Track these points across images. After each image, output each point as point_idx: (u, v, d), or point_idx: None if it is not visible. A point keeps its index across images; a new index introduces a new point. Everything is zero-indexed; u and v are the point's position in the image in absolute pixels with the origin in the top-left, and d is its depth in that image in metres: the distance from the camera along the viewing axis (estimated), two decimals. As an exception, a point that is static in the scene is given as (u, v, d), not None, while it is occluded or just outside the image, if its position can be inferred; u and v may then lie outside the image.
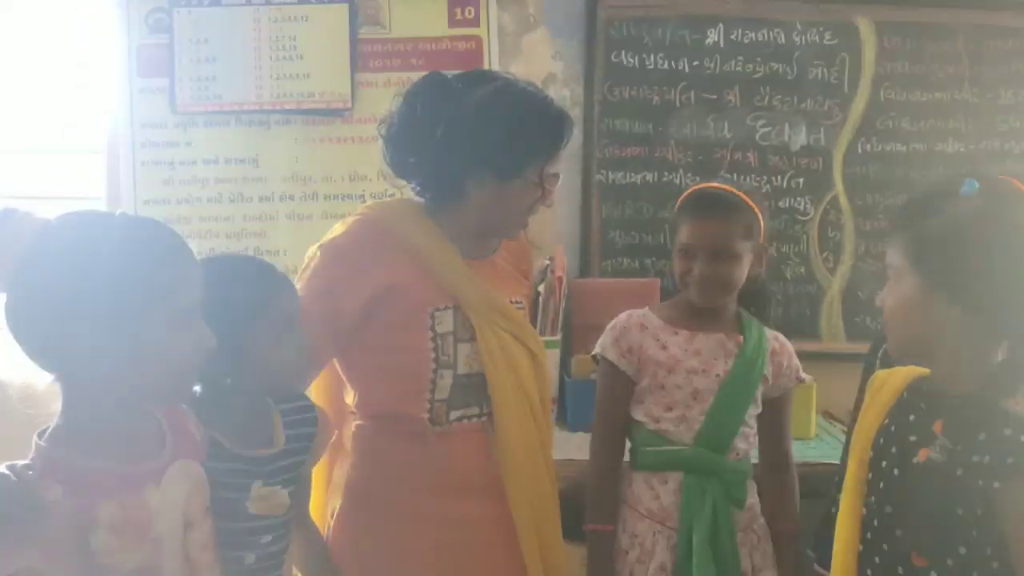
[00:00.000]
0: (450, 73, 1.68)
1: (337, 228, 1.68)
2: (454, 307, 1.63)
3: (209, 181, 2.73)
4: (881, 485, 1.40)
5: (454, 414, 1.64)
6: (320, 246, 1.65)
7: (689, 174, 2.79)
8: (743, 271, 1.82)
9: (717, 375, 1.81)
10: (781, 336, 1.93)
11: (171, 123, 2.73)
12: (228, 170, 2.73)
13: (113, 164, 2.75)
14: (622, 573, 1.80)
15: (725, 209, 1.82)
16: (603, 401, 1.88)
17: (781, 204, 2.82)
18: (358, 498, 1.69)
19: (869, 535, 1.40)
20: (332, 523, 1.71)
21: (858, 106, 2.82)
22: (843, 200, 2.82)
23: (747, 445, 1.85)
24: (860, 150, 2.83)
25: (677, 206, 1.90)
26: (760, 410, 1.87)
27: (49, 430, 1.19)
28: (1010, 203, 1.34)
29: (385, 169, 1.71)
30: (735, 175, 2.79)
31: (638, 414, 1.85)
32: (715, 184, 1.91)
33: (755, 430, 1.87)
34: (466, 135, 1.58)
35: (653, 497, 1.81)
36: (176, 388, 1.28)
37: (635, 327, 1.87)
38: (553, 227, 2.75)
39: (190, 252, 1.26)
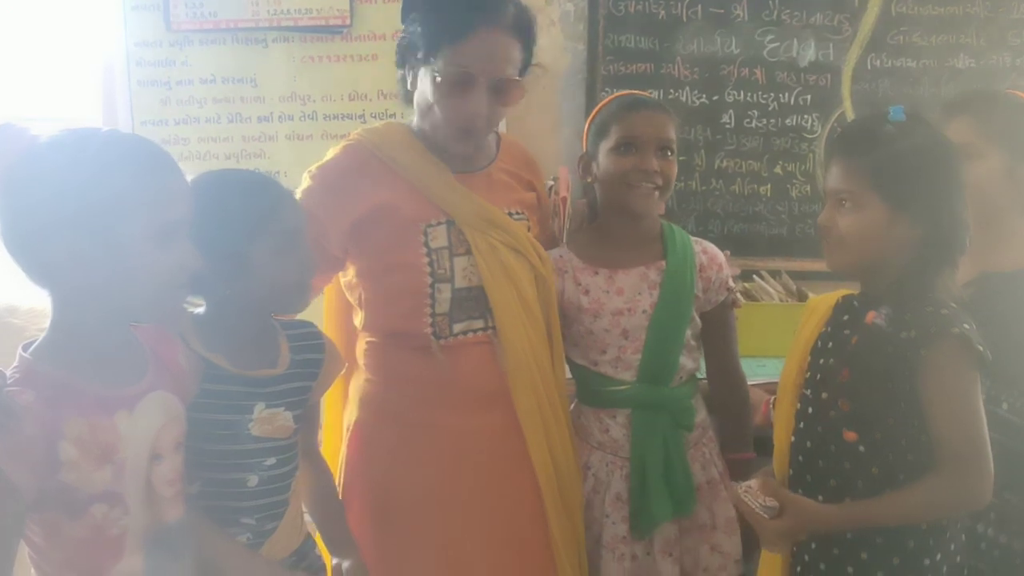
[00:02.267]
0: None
1: (328, 153, 1.69)
2: (447, 222, 1.64)
3: (207, 101, 2.69)
4: (818, 377, 1.52)
5: (457, 327, 1.65)
6: (309, 172, 1.67)
7: (696, 91, 2.74)
8: (675, 175, 1.78)
9: (644, 311, 1.77)
10: (711, 247, 1.86)
11: (166, 42, 2.67)
12: (226, 90, 2.69)
13: (108, 84, 2.70)
14: None
15: (661, 106, 1.82)
16: None
17: (788, 122, 2.77)
18: (372, 411, 1.72)
19: (802, 424, 1.53)
20: (348, 436, 1.75)
21: (868, 20, 2.75)
22: (851, 117, 2.77)
23: (693, 363, 1.83)
24: (869, 66, 2.77)
25: (595, 114, 1.84)
26: (700, 327, 1.83)
27: (35, 343, 1.22)
28: (939, 129, 1.53)
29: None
30: (742, 92, 2.74)
31: (576, 357, 1.83)
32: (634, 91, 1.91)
33: (699, 344, 1.85)
34: (407, 9, 1.61)
35: (603, 430, 1.81)
36: (159, 306, 1.28)
37: (554, 272, 1.79)
38: (558, 147, 2.71)
39: (178, 169, 1.27)
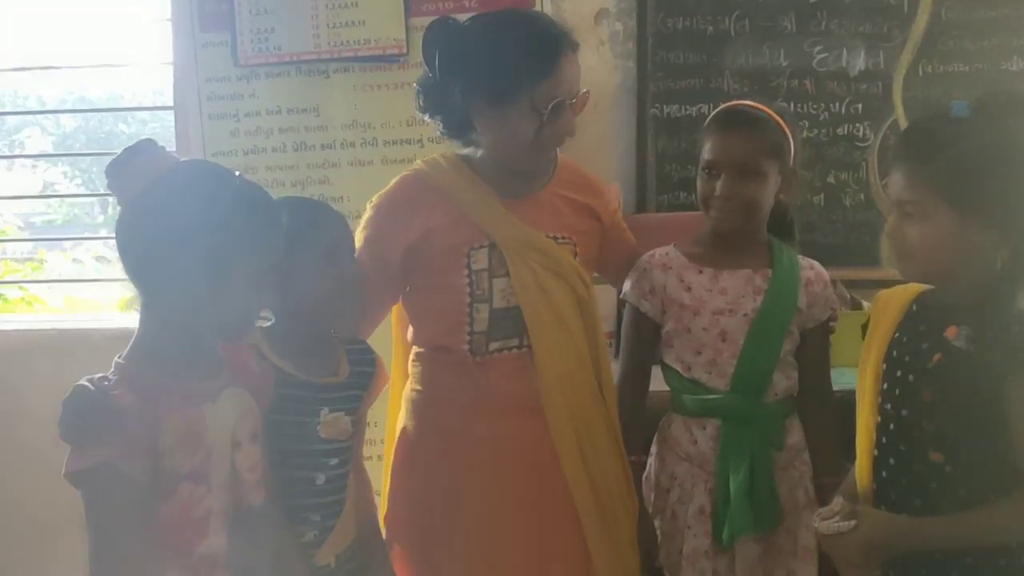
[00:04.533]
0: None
1: (387, 186, 1.81)
2: (489, 245, 1.72)
3: (273, 131, 2.80)
4: (897, 392, 1.48)
5: (493, 345, 1.73)
6: (371, 202, 1.79)
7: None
8: (769, 193, 1.75)
9: (745, 314, 1.76)
10: (817, 264, 1.86)
11: (234, 76, 2.80)
12: (290, 119, 2.80)
13: (181, 118, 2.84)
14: (665, 511, 1.83)
15: (750, 123, 1.77)
16: (627, 340, 1.87)
17: (839, 131, 2.78)
18: (416, 419, 1.82)
19: (884, 439, 1.49)
20: (397, 441, 1.85)
21: (918, 26, 2.74)
22: (903, 125, 2.76)
23: (789, 382, 1.81)
24: (921, 72, 2.76)
25: (705, 125, 1.85)
26: (798, 343, 1.81)
27: (126, 350, 1.35)
28: (1010, 119, 1.41)
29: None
30: (792, 103, 2.76)
31: (669, 359, 1.83)
32: (744, 102, 1.86)
33: (795, 364, 1.82)
34: (459, 68, 1.67)
35: (691, 441, 1.81)
36: (235, 332, 1.44)
37: (657, 267, 1.83)
38: (608, 163, 2.77)
39: (280, 223, 1.42)
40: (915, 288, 1.54)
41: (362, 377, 1.69)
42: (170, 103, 2.89)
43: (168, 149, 1.37)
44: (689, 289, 1.80)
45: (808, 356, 1.83)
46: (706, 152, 1.78)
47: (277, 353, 1.58)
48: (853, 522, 1.42)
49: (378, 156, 2.78)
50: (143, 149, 1.31)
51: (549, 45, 1.65)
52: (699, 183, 1.79)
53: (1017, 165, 1.38)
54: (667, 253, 1.86)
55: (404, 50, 2.76)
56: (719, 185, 1.74)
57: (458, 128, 1.75)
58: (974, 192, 1.37)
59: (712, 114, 1.86)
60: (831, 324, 1.88)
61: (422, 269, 1.75)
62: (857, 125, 2.78)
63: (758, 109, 1.81)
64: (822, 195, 2.80)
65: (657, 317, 1.83)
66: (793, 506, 1.80)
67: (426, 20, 2.72)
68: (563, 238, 1.79)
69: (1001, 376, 1.35)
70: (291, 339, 1.60)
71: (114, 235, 1.36)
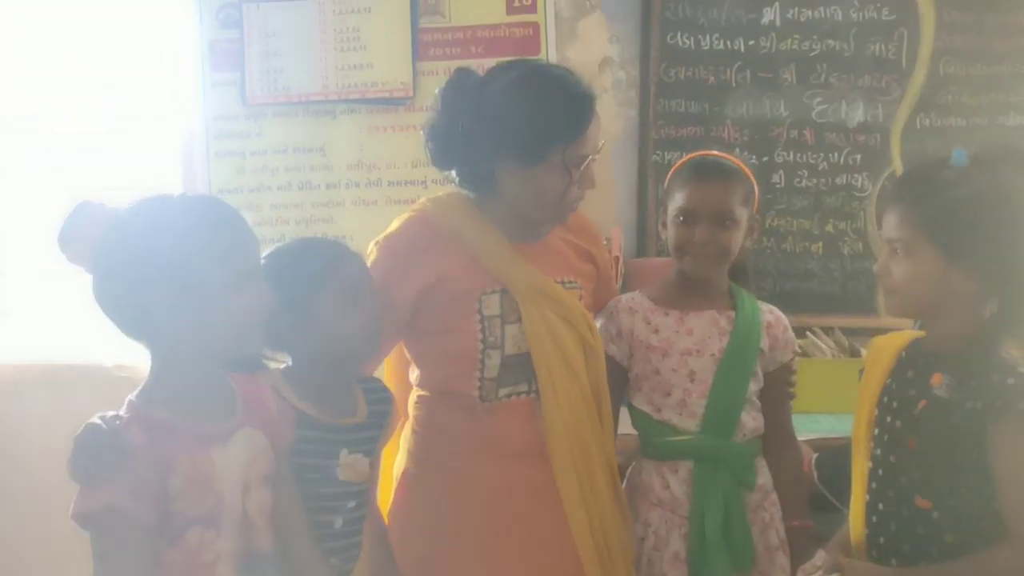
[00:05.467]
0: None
1: (393, 224, 1.78)
2: (501, 291, 1.71)
3: (279, 170, 2.84)
4: (886, 438, 1.50)
5: (503, 391, 1.72)
6: (376, 243, 1.76)
7: (745, 152, 2.80)
8: (740, 239, 1.81)
9: (712, 354, 1.79)
10: (776, 309, 1.90)
11: (242, 115, 2.84)
12: (296, 159, 2.84)
13: (187, 156, 2.87)
14: (640, 559, 1.81)
15: (726, 174, 1.83)
16: None
17: (838, 181, 2.82)
18: (418, 462, 1.80)
19: (874, 485, 1.51)
20: (396, 485, 1.82)
21: (917, 81, 2.80)
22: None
23: (755, 423, 1.83)
24: (919, 125, 2.81)
25: (671, 174, 1.89)
26: (762, 385, 1.84)
27: (139, 389, 1.35)
28: (1008, 172, 1.46)
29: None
30: (791, 153, 2.80)
31: (639, 402, 1.84)
32: (710, 152, 1.92)
33: (760, 407, 1.84)
34: (487, 124, 1.65)
35: (663, 486, 1.81)
36: (243, 344, 1.41)
37: (624, 311, 1.85)
38: (610, 208, 2.80)
39: (243, 220, 1.40)
40: (908, 335, 1.57)
41: (380, 416, 1.67)
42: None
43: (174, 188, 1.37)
44: (656, 331, 1.83)
45: (772, 398, 1.86)
46: (680, 200, 1.81)
47: (297, 394, 1.56)
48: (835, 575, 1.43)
49: (382, 196, 2.82)
50: (79, 212, 1.32)
51: (583, 104, 1.65)
52: (673, 230, 1.83)
53: (1007, 216, 1.41)
54: (632, 298, 1.89)
55: (411, 93, 2.80)
56: (697, 232, 1.78)
57: (478, 179, 1.73)
58: (960, 236, 1.40)
59: (682, 164, 1.90)
60: (792, 366, 1.92)
61: (433, 313, 1.72)
62: (855, 176, 2.82)
63: (727, 159, 1.89)
64: (820, 244, 2.83)
65: (624, 361, 1.85)
66: (765, 547, 1.81)
67: (433, 64, 2.81)
68: (571, 282, 1.79)
69: (982, 424, 1.37)
70: (311, 380, 1.59)
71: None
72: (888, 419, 1.51)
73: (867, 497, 1.53)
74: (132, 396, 1.34)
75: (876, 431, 1.53)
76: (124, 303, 1.32)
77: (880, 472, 1.51)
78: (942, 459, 1.41)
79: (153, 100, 2.96)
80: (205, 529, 1.33)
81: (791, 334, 1.90)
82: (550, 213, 1.73)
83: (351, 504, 1.59)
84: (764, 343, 1.83)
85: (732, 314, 1.83)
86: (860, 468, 1.56)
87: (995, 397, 1.37)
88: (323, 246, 1.65)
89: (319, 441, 1.56)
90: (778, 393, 1.88)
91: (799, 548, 1.80)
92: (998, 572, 1.38)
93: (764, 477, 1.84)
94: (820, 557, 1.50)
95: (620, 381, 1.86)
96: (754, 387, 1.83)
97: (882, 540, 1.49)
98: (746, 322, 1.82)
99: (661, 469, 1.83)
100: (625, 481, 1.89)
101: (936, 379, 1.43)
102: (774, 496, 1.85)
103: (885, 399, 1.53)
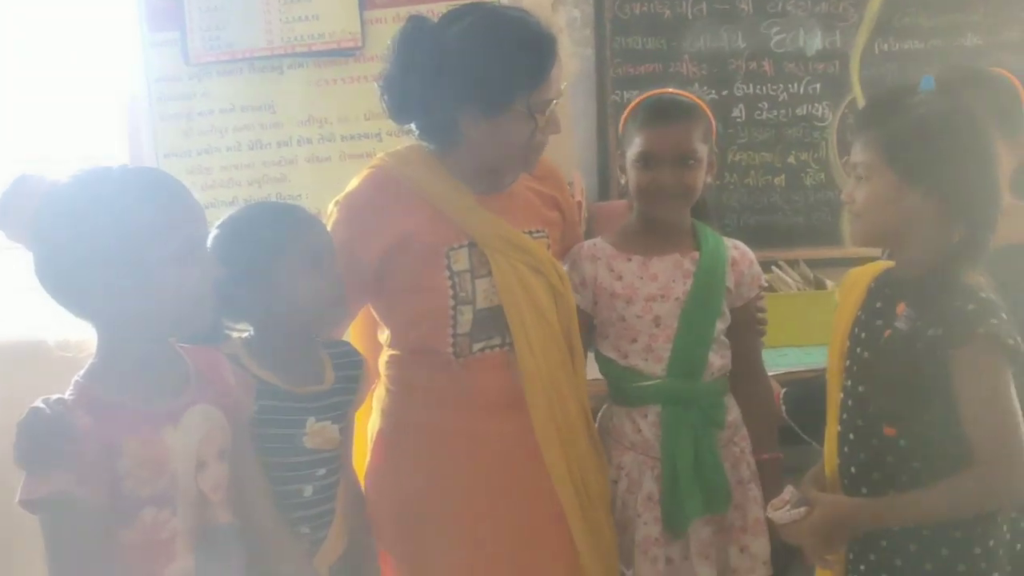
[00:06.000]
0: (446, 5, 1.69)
1: (352, 182, 1.73)
2: (469, 244, 1.68)
3: (227, 130, 2.75)
4: (855, 369, 1.52)
5: (476, 346, 1.70)
6: (336, 202, 1.72)
7: (705, 87, 2.77)
8: (703, 176, 1.79)
9: (677, 298, 1.78)
10: (741, 244, 1.89)
11: (185, 75, 2.74)
12: (245, 117, 2.75)
13: (132, 121, 2.78)
14: (615, 502, 1.82)
15: (684, 113, 1.80)
16: None
17: (798, 111, 2.80)
18: (393, 421, 1.78)
19: (845, 416, 1.53)
20: (372, 446, 1.80)
21: (873, 5, 2.77)
22: (861, 103, 2.78)
23: (723, 361, 1.83)
24: (877, 50, 2.79)
25: (625, 116, 1.86)
26: (729, 323, 1.84)
27: (85, 369, 1.31)
28: (969, 97, 1.48)
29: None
30: (751, 85, 2.77)
31: (606, 349, 1.84)
32: (665, 90, 1.89)
33: (728, 345, 1.84)
34: (448, 74, 1.60)
35: (635, 430, 1.81)
36: (192, 320, 1.37)
37: (586, 259, 1.83)
38: (570, 151, 2.75)
39: (186, 191, 1.36)
40: (880, 266, 1.57)
41: (349, 381, 1.64)
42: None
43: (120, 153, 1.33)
44: (620, 278, 1.81)
45: (739, 334, 1.86)
46: (640, 144, 1.78)
47: (259, 364, 1.53)
48: (803, 509, 1.45)
49: (336, 152, 2.74)
50: (17, 186, 1.28)
51: (545, 48, 1.61)
52: (634, 174, 1.79)
53: (966, 140, 1.41)
54: (595, 244, 1.87)
55: (359, 43, 2.72)
56: (660, 175, 1.75)
57: (439, 131, 1.68)
58: (914, 158, 1.40)
59: (636, 105, 1.86)
60: (759, 302, 1.91)
61: (400, 272, 1.69)
62: (816, 105, 2.80)
63: (683, 96, 1.85)
64: (783, 176, 2.81)
65: (589, 308, 1.84)
66: (738, 481, 1.82)
67: (381, 12, 2.72)
68: (538, 231, 1.76)
69: (944, 351, 1.38)
70: (273, 349, 1.55)
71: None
72: (858, 350, 1.53)
73: (838, 428, 1.54)
74: (78, 376, 1.30)
75: (847, 362, 1.54)
76: (65, 280, 1.27)
77: (850, 403, 1.53)
78: (907, 387, 1.42)
79: (92, 66, 2.86)
80: (159, 509, 1.30)
81: (757, 269, 1.88)
82: (516, 161, 1.69)
83: (321, 472, 1.57)
84: (730, 280, 1.82)
85: (696, 255, 1.81)
86: (834, 400, 1.57)
87: (956, 323, 1.37)
88: (278, 211, 1.61)
89: (284, 410, 1.53)
90: (746, 329, 1.87)
91: (769, 480, 1.82)
92: (964, 496, 1.39)
93: (733, 413, 1.85)
94: (789, 492, 1.51)
95: (586, 328, 1.85)
96: (721, 326, 1.82)
97: (853, 470, 1.51)
98: (710, 262, 1.80)
99: (631, 414, 1.83)
100: (596, 426, 1.88)
101: (900, 308, 1.45)
102: (744, 431, 1.85)
103: (855, 330, 1.54)
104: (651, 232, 1.83)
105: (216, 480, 1.38)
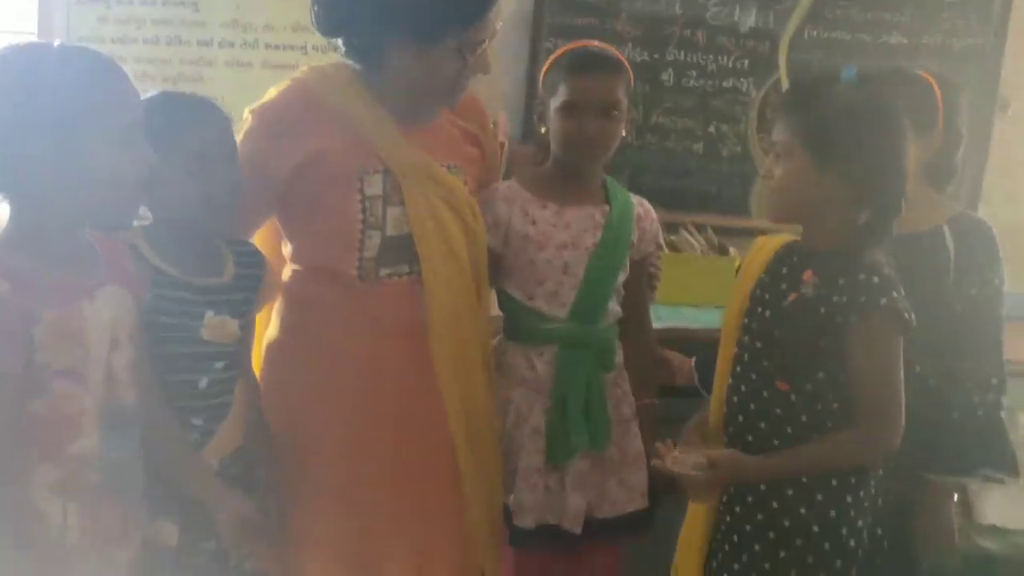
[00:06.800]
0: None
1: (271, 92, 1.69)
2: (384, 171, 1.65)
3: (146, 22, 2.65)
4: (754, 326, 1.60)
5: (383, 271, 1.68)
6: (251, 110, 1.67)
7: (637, 48, 2.79)
8: (622, 130, 1.83)
9: (586, 248, 1.82)
10: (645, 202, 1.94)
11: (107, -41, 2.63)
12: (166, 11, 2.65)
13: (44, 2, 2.64)
14: (501, 435, 1.85)
15: (611, 65, 1.82)
16: None
17: (725, 84, 2.85)
18: (291, 333, 1.75)
19: (739, 369, 1.62)
20: (265, 353, 1.77)
21: (809, -9, 2.83)
22: (786, 84, 2.84)
23: (617, 308, 1.89)
24: (807, 36, 2.85)
25: (549, 66, 1.87)
26: (628, 274, 1.90)
27: None
28: (888, 93, 1.58)
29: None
30: (683, 52, 2.81)
31: (510, 287, 1.86)
32: (588, 42, 1.91)
33: (623, 293, 1.90)
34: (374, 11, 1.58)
35: (529, 367, 1.86)
36: (119, 208, 1.36)
37: (501, 200, 1.85)
38: (499, 92, 2.74)
39: (126, 76, 1.34)
40: (787, 237, 1.65)
41: (250, 280, 1.63)
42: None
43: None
44: (534, 223, 1.83)
45: (633, 286, 1.92)
46: (566, 93, 1.79)
47: (157, 253, 1.51)
48: (704, 463, 1.51)
49: (258, 59, 2.68)
50: None
51: None
52: (558, 122, 1.81)
53: (880, 131, 1.49)
54: (510, 186, 1.88)
55: (296, -49, 2.64)
56: (585, 124, 1.78)
57: (364, 53, 1.65)
58: (830, 144, 1.47)
59: (560, 55, 1.87)
60: (655, 260, 1.99)
61: (310, 190, 1.65)
62: (742, 80, 2.85)
63: (608, 50, 1.88)
64: (702, 143, 2.86)
65: (499, 248, 1.85)
66: (619, 420, 1.89)
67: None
68: (455, 167, 1.75)
69: (845, 317, 1.46)
70: (171, 239, 1.53)
71: None
72: (759, 309, 1.60)
73: (730, 380, 1.62)
74: None
75: (746, 320, 1.61)
76: None
77: (746, 357, 1.60)
78: (804, 347, 1.51)
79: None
80: (71, 383, 1.30)
81: (657, 227, 1.95)
82: (439, 96, 1.67)
83: (218, 365, 1.56)
84: (634, 235, 1.87)
85: (606, 208, 1.85)
86: (726, 353, 1.64)
87: (860, 293, 1.46)
88: (184, 103, 1.56)
89: (180, 301, 1.51)
90: (640, 282, 1.94)
91: (646, 423, 1.92)
92: (844, 451, 1.50)
93: (619, 357, 1.92)
94: (679, 450, 1.56)
95: (491, 266, 1.85)
96: (622, 277, 1.88)
97: (740, 419, 1.59)
98: (619, 217, 1.85)
99: (528, 352, 1.86)
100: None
101: (807, 275, 1.52)
102: (626, 374, 1.93)
103: (758, 292, 1.61)
104: (567, 181, 1.85)
105: (127, 359, 1.38)
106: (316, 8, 1.64)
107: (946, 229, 1.74)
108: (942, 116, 1.77)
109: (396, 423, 1.71)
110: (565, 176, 1.86)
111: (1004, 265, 1.76)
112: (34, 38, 2.63)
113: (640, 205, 1.91)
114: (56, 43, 1.32)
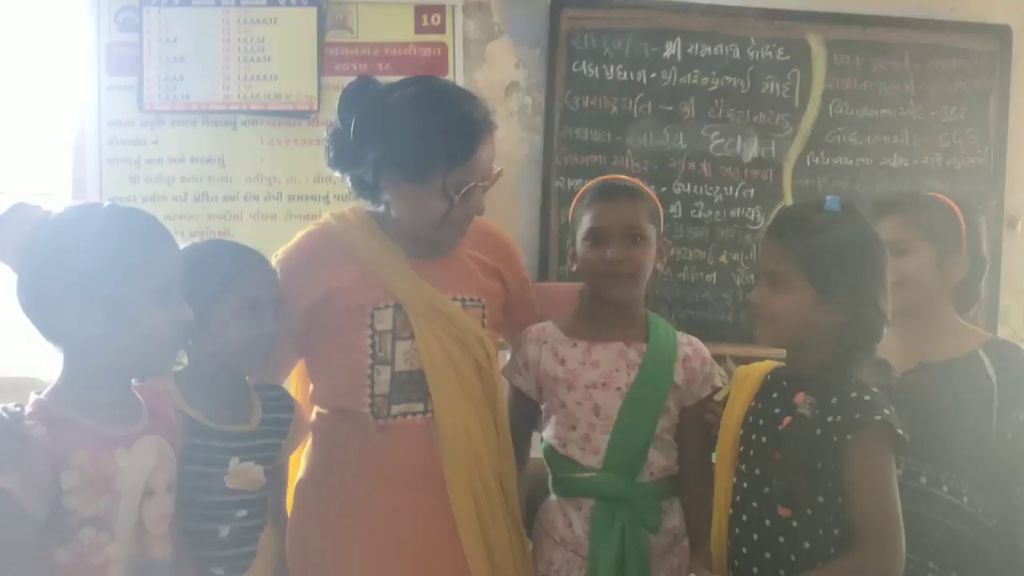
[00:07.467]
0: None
1: (293, 239, 1.78)
2: (395, 306, 1.71)
3: (175, 180, 2.76)
4: (751, 453, 1.62)
5: (396, 409, 1.71)
6: (276, 256, 1.76)
7: (645, 182, 2.78)
8: (652, 258, 1.80)
9: (619, 388, 1.74)
10: (696, 340, 1.86)
11: (138, 121, 2.76)
12: (194, 169, 2.77)
13: (79, 161, 2.77)
14: None
15: (631, 192, 1.84)
16: (509, 416, 1.83)
17: (732, 213, 2.90)
18: (313, 479, 1.79)
19: (739, 498, 1.61)
20: (294, 496, 1.80)
21: (808, 120, 2.91)
22: (791, 211, 2.91)
23: (667, 461, 1.78)
24: (809, 163, 2.92)
25: (575, 202, 1.89)
26: (677, 422, 1.80)
27: (47, 389, 1.36)
28: (914, 218, 1.74)
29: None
30: (689, 184, 2.88)
31: (548, 435, 1.81)
32: (613, 175, 1.95)
33: (675, 443, 1.80)
34: (376, 134, 1.67)
35: (566, 524, 1.77)
36: (156, 359, 1.43)
37: (532, 341, 1.82)
38: (512, 232, 2.78)
39: (168, 235, 1.44)
40: (770, 364, 1.69)
41: (278, 424, 1.66)
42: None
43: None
44: (563, 362, 1.80)
45: (687, 435, 1.81)
46: (590, 221, 1.80)
47: (186, 399, 1.55)
48: None
49: (282, 211, 2.77)
50: (13, 212, 1.36)
51: (469, 132, 1.65)
52: (584, 252, 1.80)
53: (869, 260, 1.56)
54: (544, 328, 1.86)
55: (315, 107, 2.77)
56: (609, 250, 1.76)
57: (366, 189, 1.75)
58: (831, 275, 1.54)
59: (586, 188, 1.90)
60: (712, 404, 1.83)
61: (324, 327, 1.72)
62: (749, 209, 2.91)
63: (631, 180, 1.91)
64: (714, 274, 2.90)
65: (532, 393, 1.83)
66: None
67: (339, 79, 2.77)
68: (472, 300, 1.78)
69: (841, 435, 1.49)
70: (202, 384, 1.57)
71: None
72: (754, 436, 1.62)
73: (731, 511, 1.62)
74: (38, 394, 1.35)
75: (742, 448, 1.63)
76: (45, 305, 1.35)
77: (745, 485, 1.61)
78: (803, 470, 1.53)
79: (45, 102, 2.85)
80: (98, 531, 1.32)
81: (711, 367, 1.83)
82: (430, 234, 1.72)
83: (241, 513, 1.57)
84: (679, 377, 1.79)
85: (643, 346, 1.78)
86: (723, 484, 1.65)
87: (854, 411, 1.50)
88: (234, 251, 1.65)
89: (207, 448, 1.55)
90: (694, 430, 1.80)
91: None
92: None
93: (675, 520, 1.79)
94: None
95: (530, 413, 1.84)
96: (666, 424, 1.78)
97: (744, 550, 1.59)
98: (657, 355, 1.77)
99: (565, 506, 1.79)
100: (536, 518, 1.86)
101: (800, 398, 1.56)
102: (686, 541, 1.79)
103: (751, 419, 1.64)
104: (600, 317, 1.81)
105: (162, 511, 1.41)
106: (328, 147, 1.75)
107: (983, 355, 1.74)
108: (965, 240, 1.80)
109: (417, 569, 1.71)
110: (597, 312, 1.81)
111: None
112: (68, 199, 2.75)
113: (688, 344, 1.83)
114: (107, 204, 1.46)
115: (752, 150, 2.91)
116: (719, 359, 2.73)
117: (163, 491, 1.41)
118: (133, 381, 1.46)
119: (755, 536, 1.57)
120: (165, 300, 1.39)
